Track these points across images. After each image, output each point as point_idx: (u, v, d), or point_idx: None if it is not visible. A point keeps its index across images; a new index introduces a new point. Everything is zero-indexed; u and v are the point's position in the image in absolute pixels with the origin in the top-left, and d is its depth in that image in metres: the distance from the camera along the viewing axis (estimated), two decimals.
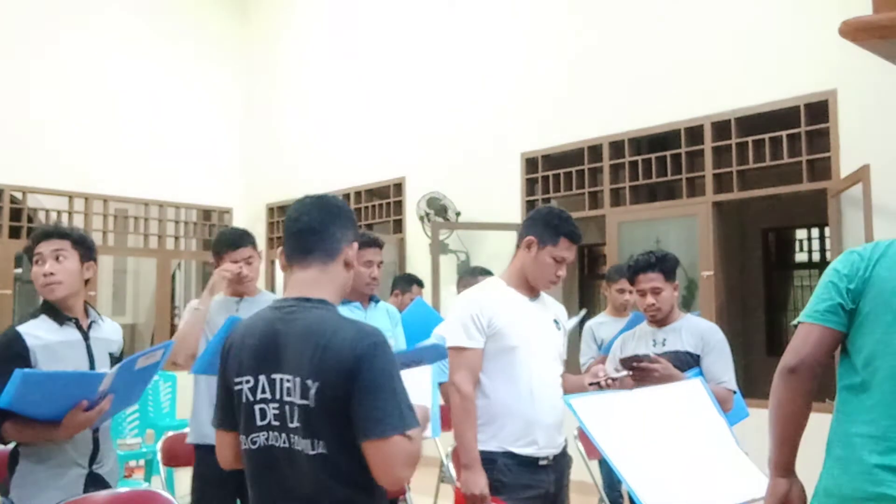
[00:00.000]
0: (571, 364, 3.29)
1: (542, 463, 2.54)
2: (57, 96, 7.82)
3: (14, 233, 7.59)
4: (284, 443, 1.66)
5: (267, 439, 1.68)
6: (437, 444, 4.87)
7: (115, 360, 2.53)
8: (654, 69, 5.78)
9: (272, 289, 8.19)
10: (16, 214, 7.68)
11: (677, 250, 4.33)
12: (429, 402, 2.59)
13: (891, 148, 4.55)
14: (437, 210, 6.97)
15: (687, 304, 5.51)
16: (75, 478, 2.38)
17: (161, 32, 8.66)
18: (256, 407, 1.69)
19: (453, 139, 7.12)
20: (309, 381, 1.61)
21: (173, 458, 3.38)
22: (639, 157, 5.94)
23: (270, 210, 8.97)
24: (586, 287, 8.91)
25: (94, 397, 2.25)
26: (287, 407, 1.64)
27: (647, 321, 3.17)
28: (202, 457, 2.96)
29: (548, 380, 2.59)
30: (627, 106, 5.94)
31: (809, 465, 1.95)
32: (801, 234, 8.61)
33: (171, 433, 3.47)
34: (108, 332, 2.59)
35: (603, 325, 4.39)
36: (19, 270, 7.90)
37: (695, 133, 5.64)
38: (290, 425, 1.64)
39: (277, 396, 1.66)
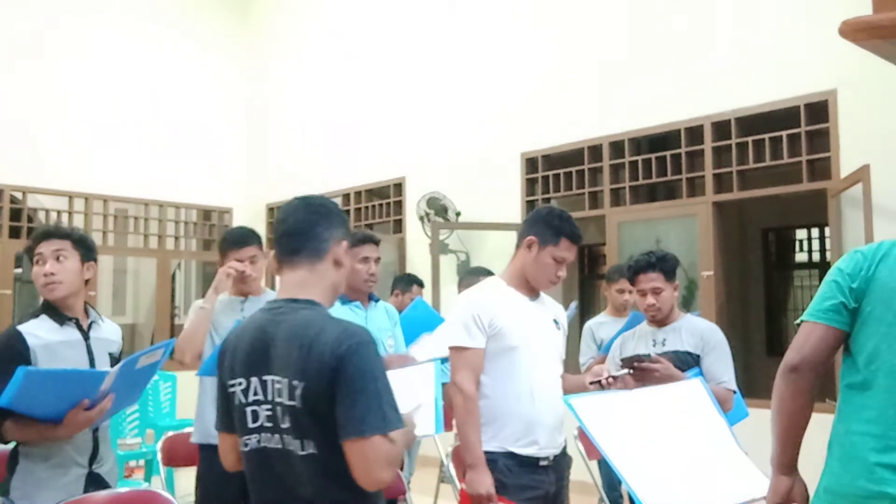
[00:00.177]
0: (571, 364, 3.29)
1: (542, 463, 2.54)
2: (57, 96, 7.81)
3: (14, 233, 7.58)
4: (278, 444, 1.66)
5: (259, 441, 1.69)
6: (437, 443, 4.87)
7: (114, 360, 2.54)
8: (654, 69, 5.78)
9: (273, 289, 8.16)
10: (16, 214, 7.68)
11: (677, 250, 4.34)
12: (431, 399, 2.59)
13: (891, 148, 4.55)
14: (437, 210, 6.97)
15: (687, 304, 5.51)
16: (75, 477, 2.39)
17: (161, 33, 8.66)
18: (248, 409, 1.69)
19: (453, 139, 7.13)
20: (295, 382, 1.62)
21: (173, 458, 3.37)
22: (639, 157, 5.93)
23: (271, 210, 8.96)
24: (586, 287, 8.90)
25: (95, 396, 2.26)
26: (279, 408, 1.65)
27: (646, 321, 3.17)
28: (206, 457, 2.96)
29: (548, 380, 2.59)
30: (627, 106, 5.94)
31: (811, 463, 1.96)
32: (801, 234, 8.61)
33: (171, 433, 3.46)
34: (108, 333, 2.59)
35: (603, 325, 4.39)
36: (19, 270, 7.89)
37: (695, 133, 5.64)
38: (283, 426, 1.65)
39: (269, 398, 1.66)
